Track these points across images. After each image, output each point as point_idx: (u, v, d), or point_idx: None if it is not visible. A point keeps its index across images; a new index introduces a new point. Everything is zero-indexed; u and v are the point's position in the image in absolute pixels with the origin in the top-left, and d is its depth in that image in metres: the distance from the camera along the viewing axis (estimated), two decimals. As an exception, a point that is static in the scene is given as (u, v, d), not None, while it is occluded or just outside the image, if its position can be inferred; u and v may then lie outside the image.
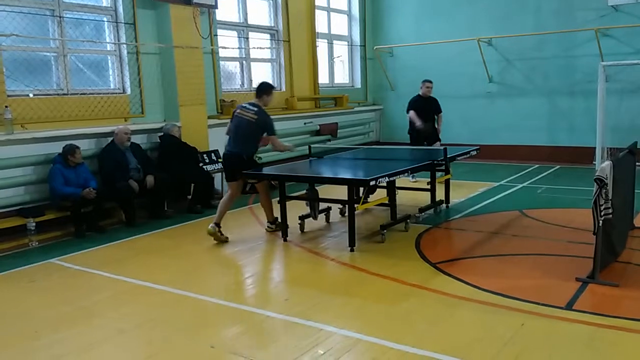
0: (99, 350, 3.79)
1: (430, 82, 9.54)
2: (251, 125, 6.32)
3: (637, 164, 6.05)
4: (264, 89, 6.50)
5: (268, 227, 6.74)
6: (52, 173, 6.76)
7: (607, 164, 4.52)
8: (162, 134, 8.18)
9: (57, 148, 6.93)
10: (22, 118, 6.85)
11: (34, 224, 6.57)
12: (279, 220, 6.45)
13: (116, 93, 8.10)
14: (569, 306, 4.16)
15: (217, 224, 6.30)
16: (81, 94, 7.57)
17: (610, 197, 4.46)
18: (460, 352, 3.51)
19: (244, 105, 6.53)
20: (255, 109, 6.36)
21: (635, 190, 6.01)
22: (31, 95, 7.06)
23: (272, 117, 6.59)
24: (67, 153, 6.83)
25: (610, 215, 4.49)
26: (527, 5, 11.39)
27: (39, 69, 7.26)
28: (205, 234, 6.26)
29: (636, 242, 5.63)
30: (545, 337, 3.71)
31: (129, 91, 8.17)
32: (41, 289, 5.12)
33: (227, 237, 6.35)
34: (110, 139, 7.49)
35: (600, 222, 4.47)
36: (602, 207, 4.45)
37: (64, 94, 7.41)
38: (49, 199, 6.87)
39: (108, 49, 8.14)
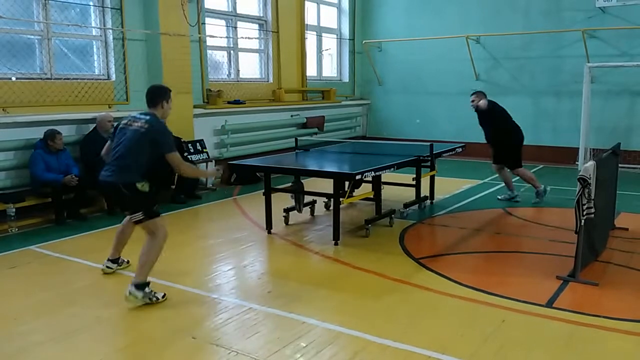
0: (77, 338, 3.75)
1: (473, 94, 7.75)
2: (138, 136, 4.31)
3: (619, 165, 6.13)
4: (162, 93, 4.51)
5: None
6: (33, 158, 6.65)
7: (591, 164, 4.56)
8: (146, 122, 8.05)
9: (39, 133, 6.81)
10: (3, 102, 6.72)
11: (14, 210, 6.45)
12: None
13: (100, 79, 7.98)
14: (550, 304, 4.21)
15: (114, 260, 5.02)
16: (65, 78, 7.44)
17: (592, 197, 4.50)
18: (441, 347, 3.52)
19: (132, 115, 4.53)
20: (148, 117, 4.39)
21: (617, 191, 6.09)
22: (14, 78, 6.92)
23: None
24: (48, 138, 6.72)
25: (593, 215, 4.54)
26: (516, 4, 11.44)
27: (22, 52, 7.11)
28: (188, 223, 6.19)
29: (616, 242, 5.70)
30: (525, 333, 3.74)
31: (113, 77, 8.05)
32: (21, 275, 5.04)
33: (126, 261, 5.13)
34: (93, 125, 7.39)
35: (583, 221, 4.51)
36: (584, 207, 4.49)
37: (47, 79, 7.28)
38: (30, 185, 6.76)
39: (93, 33, 8.00)
